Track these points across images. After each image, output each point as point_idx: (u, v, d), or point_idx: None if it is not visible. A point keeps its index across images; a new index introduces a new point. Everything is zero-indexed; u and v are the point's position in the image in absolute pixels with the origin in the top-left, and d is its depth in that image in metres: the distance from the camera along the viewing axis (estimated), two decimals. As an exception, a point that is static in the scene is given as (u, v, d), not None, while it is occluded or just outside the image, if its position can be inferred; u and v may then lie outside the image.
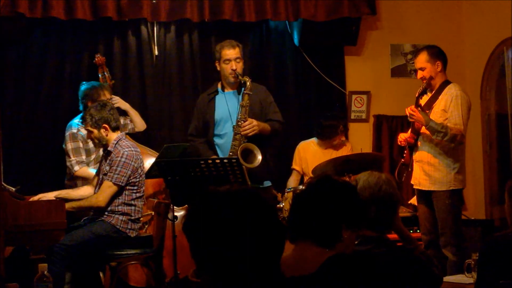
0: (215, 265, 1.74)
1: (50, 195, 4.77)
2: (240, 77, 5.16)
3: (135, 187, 4.83)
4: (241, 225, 1.74)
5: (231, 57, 5.18)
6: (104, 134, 4.82)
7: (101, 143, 4.87)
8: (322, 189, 2.40)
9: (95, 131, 4.83)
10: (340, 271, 1.94)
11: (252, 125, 5.06)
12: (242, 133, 5.05)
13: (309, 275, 1.90)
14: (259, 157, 5.01)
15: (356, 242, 2.55)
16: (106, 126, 4.81)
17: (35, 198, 4.71)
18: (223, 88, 5.31)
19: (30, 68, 6.07)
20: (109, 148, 4.84)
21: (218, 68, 5.28)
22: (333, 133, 6.10)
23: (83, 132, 5.23)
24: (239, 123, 5.08)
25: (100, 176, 4.90)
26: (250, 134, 5.06)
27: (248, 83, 5.12)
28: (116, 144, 4.82)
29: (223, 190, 1.79)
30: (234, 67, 5.17)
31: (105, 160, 4.88)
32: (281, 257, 1.82)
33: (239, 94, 5.22)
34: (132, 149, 4.84)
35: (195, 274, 4.18)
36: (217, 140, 5.26)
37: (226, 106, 5.21)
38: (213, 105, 5.27)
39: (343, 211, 2.36)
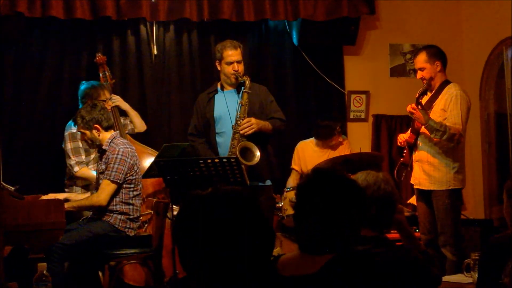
0: (212, 266, 1.73)
1: (60, 197, 4.77)
2: (239, 78, 5.15)
3: (132, 185, 4.82)
4: (237, 224, 1.73)
5: (233, 59, 5.14)
6: (96, 134, 4.81)
7: (94, 144, 4.86)
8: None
9: (87, 132, 4.81)
10: (341, 271, 1.94)
11: (250, 124, 5.03)
12: (240, 132, 5.03)
13: (310, 274, 1.90)
14: (258, 154, 4.99)
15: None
16: (98, 126, 4.80)
17: (45, 197, 4.72)
18: (222, 88, 5.29)
19: (29, 67, 6.06)
20: (103, 147, 4.83)
21: (219, 68, 5.24)
22: (330, 133, 6.09)
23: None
24: (238, 122, 5.06)
25: (98, 176, 4.90)
26: (249, 132, 5.04)
27: (247, 82, 5.10)
28: (110, 142, 4.81)
29: (212, 191, 1.79)
30: (236, 68, 5.15)
31: (100, 160, 4.88)
32: (271, 254, 1.83)
33: (238, 93, 5.19)
34: (127, 146, 4.84)
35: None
36: (217, 139, 5.25)
37: (225, 104, 5.19)
38: (213, 104, 5.25)
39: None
